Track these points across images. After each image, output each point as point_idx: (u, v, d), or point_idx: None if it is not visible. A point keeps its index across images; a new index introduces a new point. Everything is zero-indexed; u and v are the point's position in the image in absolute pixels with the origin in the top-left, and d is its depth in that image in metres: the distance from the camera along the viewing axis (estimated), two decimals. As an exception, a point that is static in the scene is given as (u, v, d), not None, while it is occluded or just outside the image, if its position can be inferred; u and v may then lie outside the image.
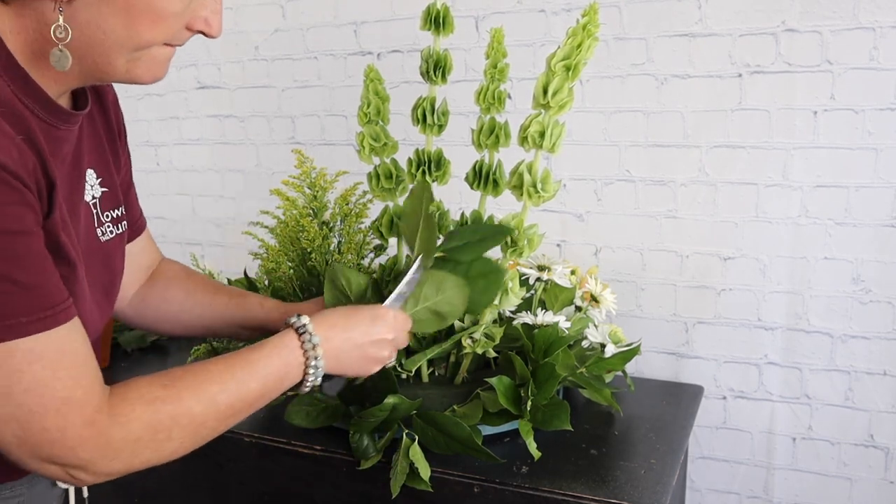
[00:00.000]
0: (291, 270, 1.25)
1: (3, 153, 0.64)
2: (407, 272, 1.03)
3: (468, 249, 1.07)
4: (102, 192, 0.88)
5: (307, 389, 0.91)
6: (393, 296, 1.00)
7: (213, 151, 1.88)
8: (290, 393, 0.93)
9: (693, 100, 1.40)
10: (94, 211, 0.86)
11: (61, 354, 0.69)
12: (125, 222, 0.94)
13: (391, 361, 0.99)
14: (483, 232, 1.09)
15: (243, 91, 1.81)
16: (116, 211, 0.91)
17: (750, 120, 1.37)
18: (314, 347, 0.88)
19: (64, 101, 0.79)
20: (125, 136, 0.98)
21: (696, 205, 1.44)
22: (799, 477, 1.47)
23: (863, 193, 1.33)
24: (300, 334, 0.89)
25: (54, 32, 0.70)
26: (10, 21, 0.70)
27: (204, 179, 1.91)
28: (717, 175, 1.41)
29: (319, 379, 0.90)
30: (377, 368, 0.97)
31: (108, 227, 0.88)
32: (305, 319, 0.90)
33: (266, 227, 1.28)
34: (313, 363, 0.88)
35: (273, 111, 1.78)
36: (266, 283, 1.33)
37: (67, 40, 0.70)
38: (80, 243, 0.80)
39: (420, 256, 1.05)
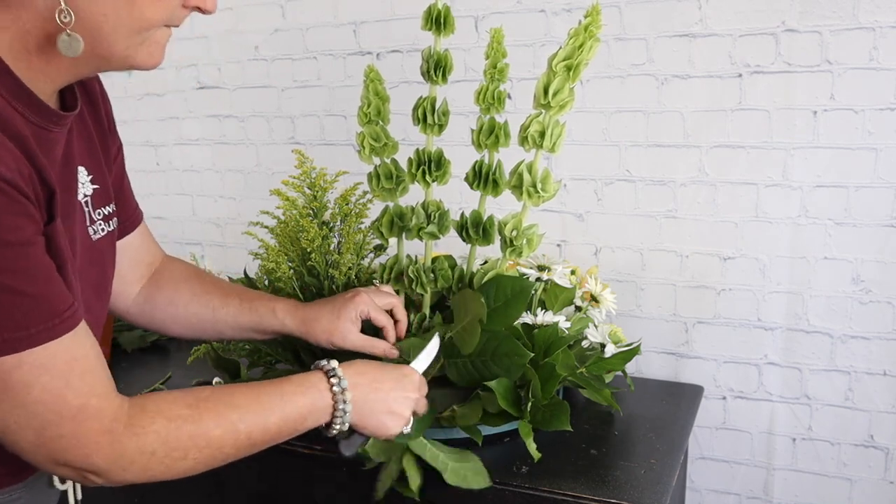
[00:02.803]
0: (291, 270, 1.25)
1: (2, 164, 0.63)
2: (429, 342, 1.05)
3: (495, 318, 1.08)
4: (93, 189, 0.86)
5: (333, 433, 0.89)
6: (416, 361, 1.02)
7: (213, 151, 1.88)
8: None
9: (693, 100, 1.40)
10: (86, 209, 0.84)
11: (72, 362, 0.69)
12: (116, 219, 0.91)
13: (407, 428, 0.95)
14: (504, 292, 1.10)
15: (243, 91, 1.81)
16: (107, 208, 0.89)
17: (750, 120, 1.37)
18: (343, 391, 0.87)
19: (52, 102, 0.76)
20: (115, 127, 0.96)
21: (696, 205, 1.44)
22: (799, 477, 1.47)
23: (863, 193, 1.33)
24: (329, 377, 0.87)
25: (59, 17, 0.67)
26: None
27: (204, 179, 1.91)
28: (717, 175, 1.41)
29: (347, 424, 0.88)
30: (396, 429, 0.93)
31: (100, 224, 0.87)
32: (335, 363, 0.88)
33: (266, 227, 1.28)
34: (342, 406, 0.86)
35: (273, 111, 1.78)
36: (266, 282, 1.32)
37: (72, 24, 0.68)
38: (75, 244, 0.79)
39: (437, 330, 1.09)
